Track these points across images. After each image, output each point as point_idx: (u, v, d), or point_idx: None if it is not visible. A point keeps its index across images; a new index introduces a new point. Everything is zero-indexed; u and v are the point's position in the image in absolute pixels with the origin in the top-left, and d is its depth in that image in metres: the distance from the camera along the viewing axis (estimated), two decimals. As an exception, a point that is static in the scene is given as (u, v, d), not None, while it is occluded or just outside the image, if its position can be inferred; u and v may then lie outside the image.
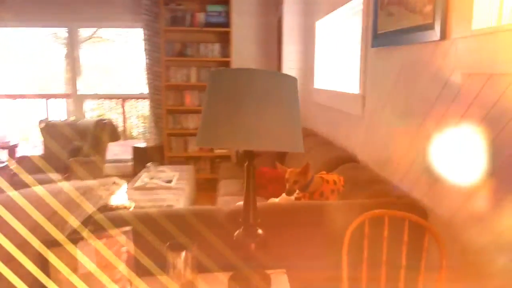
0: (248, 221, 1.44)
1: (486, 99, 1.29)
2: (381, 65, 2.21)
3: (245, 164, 1.42)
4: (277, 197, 3.09)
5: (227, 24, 5.03)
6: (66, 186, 1.59)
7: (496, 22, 1.22)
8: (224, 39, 5.15)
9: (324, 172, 2.19)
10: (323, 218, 1.69)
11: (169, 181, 3.55)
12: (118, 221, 1.63)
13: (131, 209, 1.78)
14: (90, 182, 1.68)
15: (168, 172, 3.85)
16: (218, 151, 5.23)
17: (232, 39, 5.05)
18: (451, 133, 1.53)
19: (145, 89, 5.33)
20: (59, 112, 6.57)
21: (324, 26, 3.89)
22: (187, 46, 5.18)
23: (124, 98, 6.92)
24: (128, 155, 6.03)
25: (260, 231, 1.46)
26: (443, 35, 1.52)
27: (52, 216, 1.51)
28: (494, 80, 1.24)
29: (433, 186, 1.66)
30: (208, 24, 5.06)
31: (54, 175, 4.06)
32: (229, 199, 3.09)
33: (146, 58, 5.18)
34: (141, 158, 5.04)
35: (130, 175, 5.26)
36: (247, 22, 5.31)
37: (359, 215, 1.60)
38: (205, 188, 4.95)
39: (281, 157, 3.74)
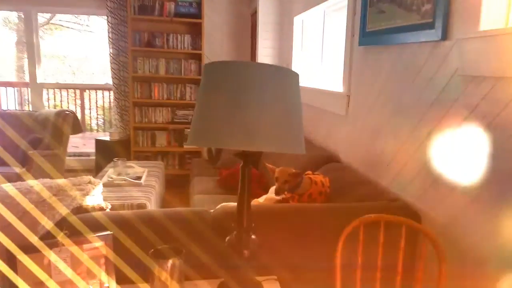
0: (241, 226, 1.34)
1: (493, 104, 1.26)
2: (369, 64, 2.17)
3: (241, 165, 1.32)
4: (254, 197, 3.00)
5: (198, 15, 4.86)
6: (37, 185, 1.42)
7: (508, 23, 1.18)
8: (195, 31, 4.99)
9: (310, 172, 2.12)
10: (315, 222, 1.61)
11: (138, 178, 3.37)
12: (95, 224, 1.48)
13: (107, 211, 1.63)
14: (62, 181, 1.51)
15: (136, 168, 3.65)
16: (187, 147, 5.06)
17: (204, 31, 4.89)
18: (450, 136, 1.50)
19: (105, 80, 5.06)
20: (10, 101, 6.15)
21: (303, 22, 3.83)
22: (156, 37, 4.97)
23: (87, 88, 6.57)
24: (88, 148, 5.73)
25: (253, 236, 1.36)
26: (445, 36, 1.48)
27: (23, 216, 1.34)
28: (504, 84, 1.21)
29: (427, 189, 1.62)
30: (178, 14, 4.86)
31: (11, 169, 3.78)
32: (205, 197, 2.96)
33: (111, 48, 4.92)
34: (105, 152, 4.78)
35: (92, 170, 4.99)
36: (219, 14, 5.17)
37: (351, 219, 1.54)
38: (174, 185, 4.78)
39: (255, 155, 3.65)
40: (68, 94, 6.68)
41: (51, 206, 1.40)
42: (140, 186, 3.20)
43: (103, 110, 7.65)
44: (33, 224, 1.35)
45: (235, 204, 2.08)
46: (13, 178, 3.58)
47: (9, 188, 1.45)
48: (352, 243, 1.51)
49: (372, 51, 2.14)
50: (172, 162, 5.22)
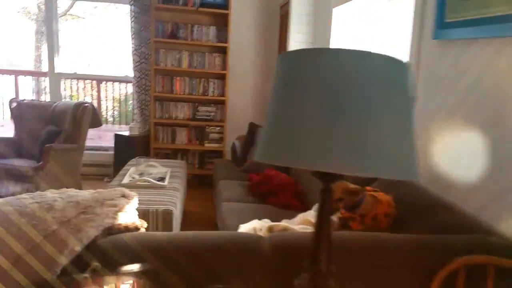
0: (318, 268, 1.02)
1: None
2: (448, 61, 1.82)
3: (321, 189, 1.00)
4: (290, 207, 2.67)
5: (225, 5, 4.53)
6: (61, 199, 1.13)
7: None
8: (221, 22, 4.67)
9: (370, 187, 1.79)
10: (396, 260, 1.28)
11: (161, 179, 3.08)
12: (125, 251, 1.18)
13: (142, 230, 1.33)
14: (90, 195, 1.22)
15: (159, 167, 3.36)
16: (209, 145, 4.76)
17: (231, 23, 4.57)
18: None
19: (119, 72, 4.78)
20: (27, 91, 5.94)
21: (344, 14, 3.49)
22: (180, 28, 4.66)
23: (107, 80, 6.30)
24: (105, 141, 5.48)
25: (332, 282, 1.04)
26: None
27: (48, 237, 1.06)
28: None
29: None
30: (204, 4, 4.55)
31: (27, 162, 3.55)
32: (235, 206, 2.65)
33: (133, 38, 4.63)
34: (124, 147, 4.52)
35: (110, 165, 4.73)
36: (247, 5, 4.83)
37: (444, 257, 1.22)
38: (194, 186, 4.48)
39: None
40: (84, 85, 6.44)
41: (77, 227, 1.10)
42: (164, 188, 2.90)
43: (119, 102, 7.43)
44: (60, 247, 1.06)
45: (285, 225, 1.78)
46: (29, 172, 3.33)
47: (28, 201, 1.16)
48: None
49: (453, 45, 1.79)
50: (192, 161, 4.92)
